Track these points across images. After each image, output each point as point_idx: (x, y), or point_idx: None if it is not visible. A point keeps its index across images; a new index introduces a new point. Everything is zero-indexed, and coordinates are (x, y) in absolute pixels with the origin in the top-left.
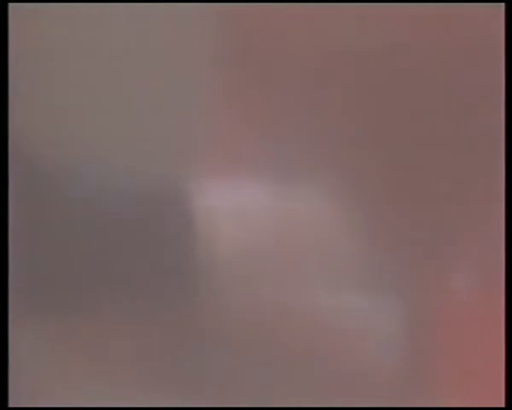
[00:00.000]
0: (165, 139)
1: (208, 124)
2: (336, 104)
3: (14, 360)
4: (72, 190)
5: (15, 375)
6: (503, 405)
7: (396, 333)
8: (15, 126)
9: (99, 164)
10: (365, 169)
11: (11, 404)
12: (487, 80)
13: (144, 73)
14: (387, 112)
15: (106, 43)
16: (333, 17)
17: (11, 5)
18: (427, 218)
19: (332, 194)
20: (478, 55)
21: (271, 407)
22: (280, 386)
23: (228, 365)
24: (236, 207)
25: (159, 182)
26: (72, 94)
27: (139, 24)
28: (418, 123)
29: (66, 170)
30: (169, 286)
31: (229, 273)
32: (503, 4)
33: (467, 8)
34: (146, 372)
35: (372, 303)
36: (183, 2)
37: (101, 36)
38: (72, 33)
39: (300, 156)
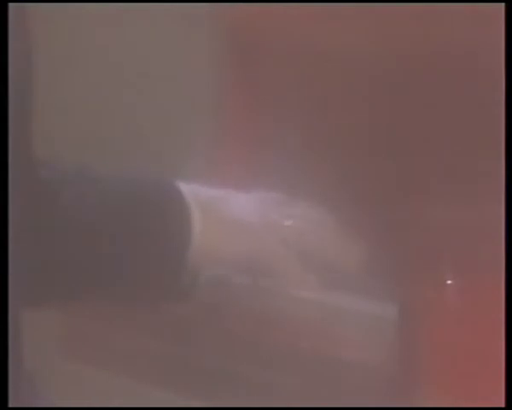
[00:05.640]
0: (170, 141)
1: (214, 125)
2: (339, 106)
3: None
4: (80, 191)
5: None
6: (503, 405)
7: (396, 333)
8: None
9: (104, 164)
10: (363, 171)
11: (11, 404)
12: (487, 80)
13: (152, 78)
14: (388, 112)
15: (113, 47)
16: (337, 17)
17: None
18: (427, 218)
19: (333, 196)
20: (478, 55)
21: (272, 407)
22: (280, 385)
23: (225, 362)
24: (237, 211)
25: (158, 183)
26: (81, 97)
27: (148, 26)
28: (418, 123)
29: (74, 171)
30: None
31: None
32: (502, 4)
33: (467, 8)
34: (148, 370)
35: (372, 304)
36: (194, 2)
37: (107, 40)
38: (83, 35)
39: (304, 161)
